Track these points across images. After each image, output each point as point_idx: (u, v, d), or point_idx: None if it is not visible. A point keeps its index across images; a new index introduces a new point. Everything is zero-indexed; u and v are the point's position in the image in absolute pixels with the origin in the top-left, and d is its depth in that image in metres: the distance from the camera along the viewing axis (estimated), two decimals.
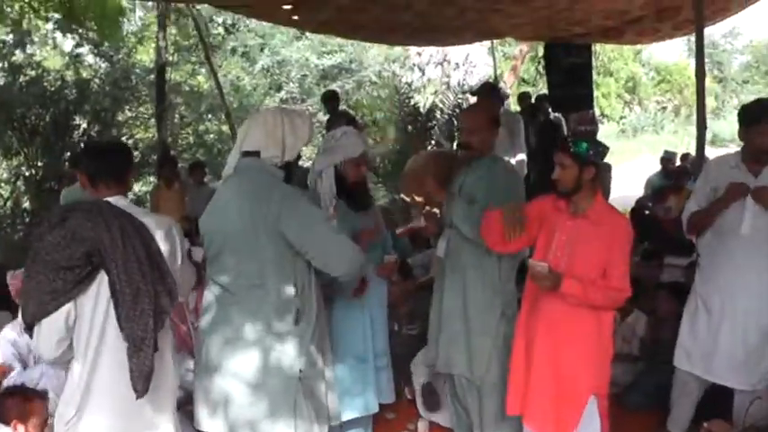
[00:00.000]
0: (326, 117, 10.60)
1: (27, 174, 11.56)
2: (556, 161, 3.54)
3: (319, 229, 3.24)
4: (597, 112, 23.62)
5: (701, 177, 4.31)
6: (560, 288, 3.46)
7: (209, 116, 16.24)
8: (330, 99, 10.29)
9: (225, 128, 15.47)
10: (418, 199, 4.22)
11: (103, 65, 14.71)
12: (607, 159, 8.01)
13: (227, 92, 15.94)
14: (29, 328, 2.95)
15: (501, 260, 4.06)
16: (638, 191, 10.70)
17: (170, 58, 14.70)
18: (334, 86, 18.08)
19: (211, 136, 16.19)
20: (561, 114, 11.00)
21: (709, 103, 25.52)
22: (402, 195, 4.38)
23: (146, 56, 16.40)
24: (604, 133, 24.17)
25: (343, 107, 11.94)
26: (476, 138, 4.07)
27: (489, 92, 7.79)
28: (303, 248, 3.24)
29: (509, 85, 18.36)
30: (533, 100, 11.79)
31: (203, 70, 17.44)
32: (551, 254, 3.59)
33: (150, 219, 3.01)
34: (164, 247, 3.00)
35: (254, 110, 16.58)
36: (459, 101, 13.06)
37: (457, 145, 4.24)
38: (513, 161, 8.04)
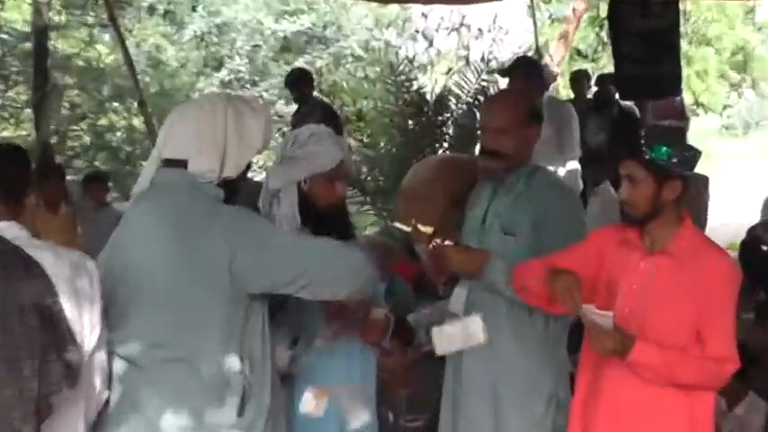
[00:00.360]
0: (291, 108, 10.67)
1: None
2: (622, 173, 3.58)
3: (299, 246, 3.29)
4: (688, 99, 23.75)
5: None
6: (629, 355, 3.48)
7: (115, 105, 16.30)
8: (298, 82, 10.37)
9: (138, 122, 15.50)
10: (423, 229, 4.25)
11: None
12: (702, 169, 8.08)
13: (142, 69, 15.98)
14: None
15: (549, 319, 4.11)
16: (751, 215, 10.76)
17: (55, 19, 14.77)
18: (300, 63, 18.16)
19: (118, 135, 16.24)
20: (634, 103, 11.11)
21: None
22: (397, 223, 4.40)
23: (16, 14, 16.46)
24: (699, 130, 24.24)
25: (315, 94, 11.98)
26: (507, 140, 4.12)
27: (527, 71, 7.85)
28: (286, 282, 3.27)
29: (557, 61, 18.49)
30: (593, 82, 11.89)
31: (106, 37, 17.50)
32: (617, 309, 3.61)
33: (50, 254, 3.03)
34: (68, 297, 3.01)
35: (184, 97, 16.64)
36: (484, 84, 13.13)
37: (480, 151, 4.28)
38: (561, 172, 8.10)
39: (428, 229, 4.18)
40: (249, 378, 3.30)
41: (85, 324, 3.07)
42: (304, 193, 3.98)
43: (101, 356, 3.18)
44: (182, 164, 3.35)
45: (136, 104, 14.69)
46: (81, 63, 16.14)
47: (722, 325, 3.53)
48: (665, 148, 3.51)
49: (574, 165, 8.51)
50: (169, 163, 3.39)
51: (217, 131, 3.35)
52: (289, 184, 3.98)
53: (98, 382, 3.18)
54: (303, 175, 3.97)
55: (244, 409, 3.29)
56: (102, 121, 16.05)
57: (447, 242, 4.13)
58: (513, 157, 4.13)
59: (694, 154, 3.60)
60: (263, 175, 4.17)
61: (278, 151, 4.15)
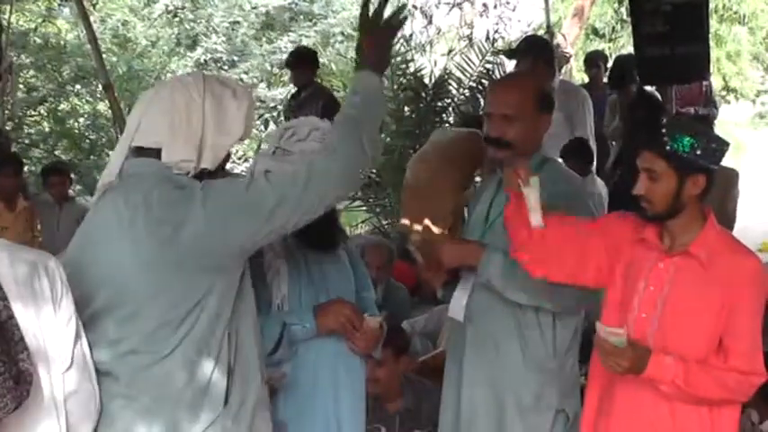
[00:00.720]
0: (275, 93, 10.64)
1: None
2: (640, 165, 3.61)
3: (278, 184, 3.28)
4: (718, 83, 23.76)
5: None
6: (646, 371, 3.53)
7: (77, 88, 16.27)
8: (300, 62, 10.28)
9: (103, 107, 15.48)
10: (436, 230, 4.30)
11: None
12: (733, 162, 8.08)
13: (108, 48, 15.97)
14: None
15: (557, 325, 4.17)
16: None
17: None
18: (285, 41, 18.16)
19: (81, 120, 16.20)
20: (656, 88, 11.12)
21: None
22: (406, 221, 4.43)
23: None
24: (729, 119, 24.26)
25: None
26: (513, 128, 4.17)
27: (536, 52, 7.90)
28: (285, 225, 3.31)
29: (571, 41, 18.49)
30: (611, 64, 11.90)
31: (66, 11, 17.48)
32: (633, 314, 3.67)
33: (4, 254, 3.04)
34: (23, 300, 3.03)
35: (154, 79, 16.62)
36: (489, 66, 13.14)
37: (484, 138, 4.32)
38: None
39: (440, 231, 4.23)
40: (229, 389, 3.34)
41: (47, 330, 3.08)
42: None
43: (75, 369, 3.18)
44: (154, 153, 3.34)
45: (101, 87, 14.71)
46: (38, 40, 16.12)
47: (747, 334, 3.58)
48: (688, 139, 3.52)
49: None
50: (140, 151, 3.37)
51: (193, 119, 3.33)
52: None
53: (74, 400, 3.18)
54: None
55: (220, 419, 3.32)
56: (63, 106, 16.01)
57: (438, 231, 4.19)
58: (519, 146, 4.16)
59: (720, 146, 3.59)
60: (243, 166, 4.17)
61: (269, 141, 4.14)
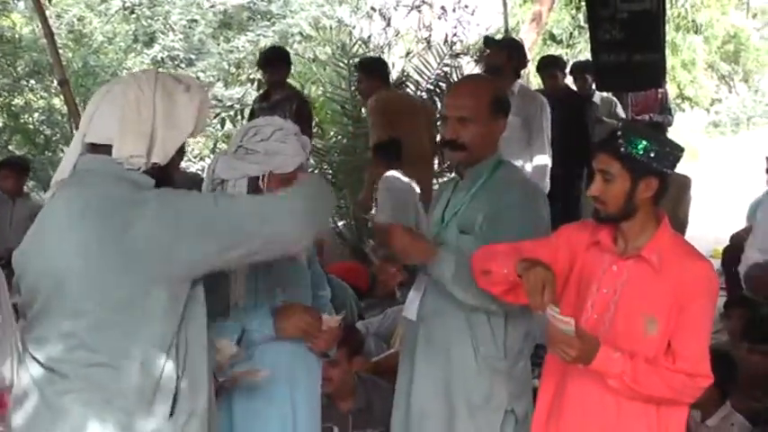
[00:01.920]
0: (231, 92, 10.57)
1: None
2: (596, 167, 3.65)
3: (241, 210, 3.29)
4: (672, 91, 23.93)
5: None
6: (593, 363, 3.55)
7: (32, 83, 16.18)
8: (273, 63, 10.12)
9: (58, 102, 15.40)
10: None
11: None
12: (686, 169, 8.17)
13: (63, 43, 15.89)
14: None
15: (508, 326, 4.21)
16: (737, 221, 10.91)
17: None
18: (242, 41, 18.12)
19: (36, 116, 16.11)
20: (612, 94, 11.22)
21: None
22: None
23: None
24: (684, 126, 24.47)
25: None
26: (469, 131, 4.20)
27: (513, 52, 8.00)
28: (237, 253, 3.30)
29: (528, 46, 18.54)
30: (568, 70, 11.97)
31: (21, 5, 17.38)
32: (586, 315, 3.72)
33: None
34: None
35: (110, 75, 16.55)
36: (446, 69, 13.18)
37: (440, 141, 4.35)
38: (528, 167, 8.20)
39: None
40: (182, 380, 3.34)
41: None
42: (255, 190, 3.99)
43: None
44: (106, 149, 3.33)
45: (56, 83, 14.65)
46: None
47: (696, 337, 3.63)
48: (642, 142, 3.57)
49: (543, 160, 8.60)
50: (93, 148, 3.38)
51: (143, 113, 3.32)
52: (240, 178, 3.99)
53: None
54: (259, 172, 3.98)
55: (174, 410, 3.33)
56: (17, 101, 15.91)
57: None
58: (474, 148, 4.20)
59: (675, 151, 3.65)
60: (198, 165, 4.17)
61: (232, 141, 4.15)
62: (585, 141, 9.92)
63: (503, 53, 8.01)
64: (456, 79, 12.14)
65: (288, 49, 16.93)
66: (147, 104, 3.33)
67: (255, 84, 15.88)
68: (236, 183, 3.99)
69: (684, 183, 8.46)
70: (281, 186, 3.93)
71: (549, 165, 8.72)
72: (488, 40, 9.76)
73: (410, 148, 9.30)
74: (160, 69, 13.75)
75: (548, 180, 8.66)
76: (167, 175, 3.44)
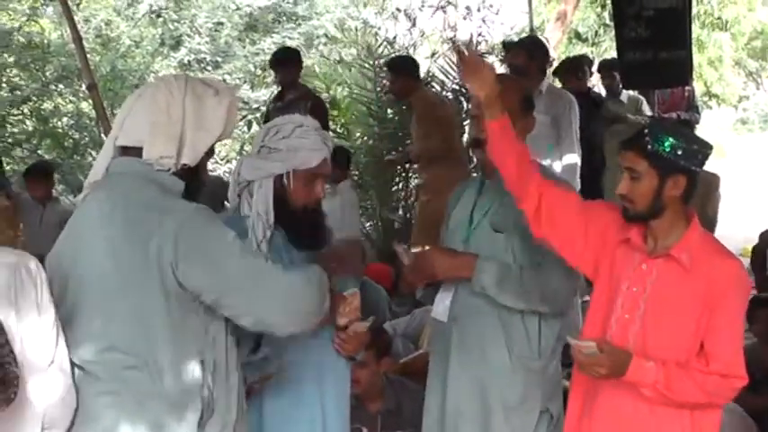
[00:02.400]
0: (258, 94, 10.54)
1: None
2: (623, 165, 3.64)
3: (242, 265, 3.31)
4: (700, 89, 23.83)
5: None
6: (627, 375, 3.55)
7: (61, 87, 16.24)
8: (286, 62, 10.16)
9: (87, 106, 15.45)
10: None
11: None
12: (714, 167, 8.13)
13: (91, 48, 15.95)
14: None
15: (542, 326, 4.21)
16: (767, 219, 10.86)
17: None
18: (268, 43, 18.13)
19: (65, 120, 16.17)
20: (639, 92, 11.17)
21: None
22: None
23: None
24: (711, 123, 24.36)
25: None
26: None
27: (534, 50, 7.95)
28: (219, 304, 3.31)
29: (554, 45, 18.53)
30: (595, 68, 11.93)
31: (50, 10, 17.44)
32: (616, 314, 3.70)
33: None
34: (4, 303, 3.02)
35: (138, 79, 16.59)
36: None
37: (469, 142, 4.34)
38: (557, 166, 8.17)
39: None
40: (212, 389, 3.35)
41: (28, 333, 3.08)
42: (281, 189, 3.98)
43: (56, 368, 3.18)
44: (137, 151, 3.37)
45: (84, 87, 14.68)
46: (22, 39, 16.07)
47: (728, 337, 3.60)
48: (669, 139, 3.55)
49: (572, 159, 8.55)
50: (124, 151, 3.41)
51: (173, 115, 3.36)
52: (266, 178, 3.98)
53: (43, 399, 3.17)
54: (283, 170, 3.96)
55: (204, 422, 3.34)
56: (47, 105, 15.96)
57: (427, 247, 4.21)
58: None
59: (703, 149, 3.62)
60: (225, 167, 4.16)
61: (254, 143, 4.15)
62: (596, 141, 9.95)
63: (523, 53, 7.99)
64: None
65: (313, 50, 16.99)
66: (177, 107, 3.36)
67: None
68: (263, 183, 3.98)
69: (713, 181, 8.42)
70: (306, 183, 3.99)
71: (579, 163, 8.69)
72: (507, 43, 9.78)
73: (458, 148, 9.35)
74: (187, 72, 13.75)
75: (578, 178, 8.63)
76: (196, 176, 3.48)
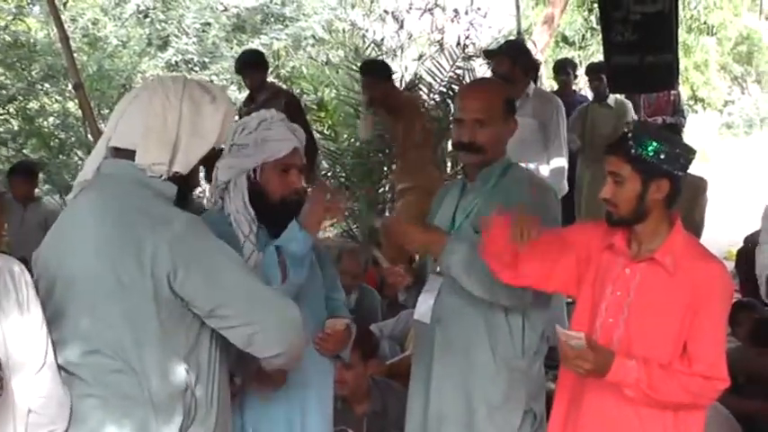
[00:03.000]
0: (245, 95, 10.53)
1: None
2: (607, 169, 3.66)
3: (239, 279, 3.33)
4: (685, 93, 23.90)
5: None
6: (609, 374, 3.57)
7: (47, 87, 16.20)
8: (252, 65, 10.14)
9: (73, 106, 15.43)
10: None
11: None
12: (700, 171, 8.15)
13: (78, 47, 15.91)
14: None
15: (526, 326, 4.22)
16: (750, 223, 10.87)
17: None
18: (256, 44, 18.11)
19: (51, 120, 16.13)
20: (625, 96, 11.20)
21: None
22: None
23: None
24: (696, 128, 24.41)
25: (271, 80, 11.86)
26: (485, 133, 4.22)
27: (516, 55, 7.96)
28: (214, 314, 3.31)
29: (541, 48, 18.56)
30: (583, 71, 11.97)
31: (36, 9, 17.41)
32: (600, 319, 3.73)
33: None
34: None
35: (125, 79, 16.56)
36: (459, 72, 13.18)
37: (454, 144, 4.36)
38: (545, 170, 8.19)
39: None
40: (196, 394, 3.36)
41: (13, 335, 3.09)
42: (255, 183, 4.04)
43: (47, 368, 3.19)
44: (130, 154, 3.36)
45: (70, 86, 14.61)
46: (8, 38, 16.02)
47: (711, 340, 3.63)
48: (653, 144, 3.59)
49: (560, 162, 8.57)
50: (117, 152, 3.40)
51: (168, 121, 3.34)
52: (238, 175, 4.04)
53: (35, 399, 3.18)
54: (254, 164, 4.03)
55: (187, 427, 3.34)
56: (32, 105, 15.89)
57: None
58: (490, 150, 4.24)
59: (686, 153, 3.66)
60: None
61: (226, 142, 4.18)
62: None
63: (506, 60, 8.00)
64: (468, 81, 12.12)
65: (301, 51, 17.00)
66: (173, 113, 3.36)
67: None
68: (237, 181, 4.04)
69: (700, 185, 8.43)
70: (279, 175, 4.04)
71: (566, 166, 8.71)
72: (487, 53, 9.78)
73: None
74: (175, 73, 13.70)
75: (565, 182, 8.65)
76: (188, 183, 3.49)
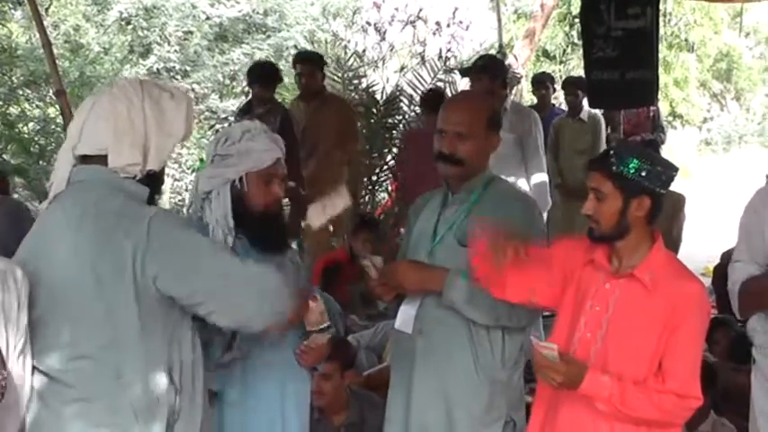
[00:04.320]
0: (226, 104, 10.43)
1: None
2: (589, 186, 3.69)
3: (215, 265, 3.37)
4: (665, 109, 23.99)
5: (752, 214, 4.49)
6: (581, 387, 3.58)
7: (28, 92, 16.18)
8: (268, 79, 9.84)
9: (54, 112, 15.41)
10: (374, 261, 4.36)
11: None
12: (678, 187, 8.22)
13: (60, 53, 15.90)
14: None
15: (505, 338, 4.24)
16: (728, 240, 10.92)
17: None
18: (237, 53, 18.14)
19: (31, 125, 16.11)
20: (603, 112, 11.24)
21: None
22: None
23: None
24: (676, 144, 24.50)
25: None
26: (466, 146, 4.23)
27: (493, 72, 7.97)
28: (196, 302, 3.35)
29: (522, 62, 18.62)
30: (560, 86, 11.99)
31: (18, 14, 17.38)
32: (579, 333, 3.74)
33: None
34: None
35: (104, 84, 16.56)
36: (440, 84, 13.19)
37: (435, 155, 4.37)
38: (524, 184, 8.21)
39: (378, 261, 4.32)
40: (178, 395, 3.38)
41: (10, 340, 3.10)
42: (238, 193, 4.05)
43: (20, 371, 3.20)
44: (100, 159, 3.40)
45: (51, 92, 14.64)
46: None
47: (686, 357, 3.65)
48: (634, 161, 3.61)
49: (541, 177, 8.60)
50: (86, 160, 3.43)
51: (135, 121, 3.39)
52: (221, 185, 4.04)
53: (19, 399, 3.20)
54: (237, 174, 4.03)
55: (170, 427, 3.36)
56: (13, 110, 15.87)
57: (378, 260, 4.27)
58: (470, 163, 4.24)
59: (668, 171, 3.67)
60: (191, 176, 4.19)
61: (207, 153, 4.20)
62: None
63: (485, 77, 7.99)
64: (450, 94, 12.13)
65: (283, 61, 17.00)
66: (138, 113, 3.40)
67: (250, 96, 15.77)
68: (220, 191, 4.05)
69: (678, 200, 8.49)
70: (262, 185, 4.06)
71: (548, 181, 8.74)
72: (463, 71, 9.80)
73: None
74: (156, 80, 13.66)
75: (549, 198, 8.68)
76: (159, 181, 3.56)
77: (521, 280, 3.88)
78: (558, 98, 13.59)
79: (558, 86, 13.20)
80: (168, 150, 3.49)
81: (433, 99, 8.92)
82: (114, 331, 3.27)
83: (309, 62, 10.01)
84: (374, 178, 12.20)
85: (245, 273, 3.41)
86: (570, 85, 11.75)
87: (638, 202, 3.62)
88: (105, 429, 3.29)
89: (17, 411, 3.23)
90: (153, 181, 3.47)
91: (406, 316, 4.37)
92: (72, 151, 3.45)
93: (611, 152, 3.67)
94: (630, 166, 3.60)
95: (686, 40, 26.74)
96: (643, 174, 3.60)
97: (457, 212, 4.29)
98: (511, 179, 7.40)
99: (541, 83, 12.30)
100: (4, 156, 14.93)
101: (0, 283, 3.08)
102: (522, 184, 8.24)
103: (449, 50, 15.31)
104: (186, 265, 3.31)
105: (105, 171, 3.38)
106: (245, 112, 9.92)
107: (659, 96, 12.14)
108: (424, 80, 13.24)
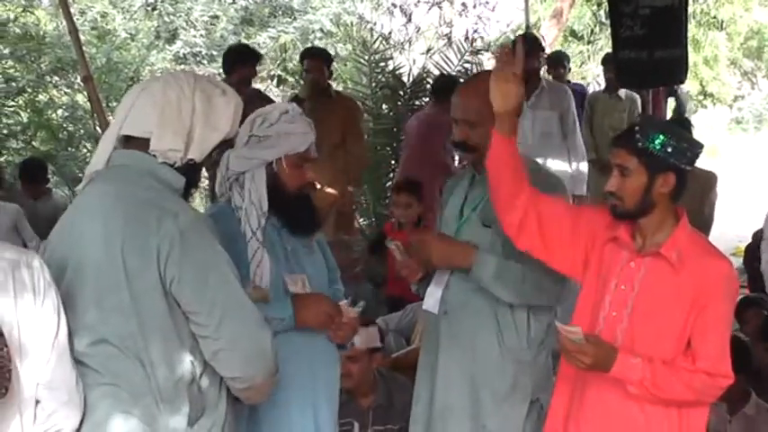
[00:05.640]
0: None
1: None
2: (613, 162, 3.67)
3: (226, 291, 3.34)
4: (694, 88, 23.88)
5: None
6: (612, 370, 3.57)
7: (56, 79, 16.23)
8: (244, 62, 9.71)
9: (82, 99, 15.45)
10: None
11: None
12: (711, 166, 8.15)
13: (87, 40, 15.94)
14: None
15: (531, 318, 4.24)
16: (759, 219, 10.85)
17: None
18: (264, 37, 18.14)
19: (59, 112, 16.16)
20: (634, 91, 11.20)
21: None
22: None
23: None
24: (706, 123, 24.39)
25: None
26: (477, 133, 4.21)
27: (531, 49, 7.97)
28: (190, 321, 3.33)
29: (549, 42, 18.54)
30: (599, 61, 11.96)
31: (45, 2, 17.43)
32: (604, 312, 3.73)
33: None
34: (5, 300, 3.04)
35: (133, 72, 16.59)
36: (467, 66, 13.16)
37: (451, 140, 4.36)
38: (568, 169, 8.18)
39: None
40: (202, 386, 3.38)
41: (29, 329, 3.10)
42: (273, 175, 4.05)
43: (52, 361, 3.20)
44: (142, 143, 3.40)
45: (79, 79, 14.62)
46: (18, 30, 16.03)
47: (715, 337, 3.63)
48: (660, 137, 3.57)
49: (582, 166, 8.61)
50: (129, 140, 3.45)
51: (183, 109, 3.40)
52: (257, 166, 4.04)
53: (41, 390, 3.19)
54: (276, 156, 4.04)
55: (196, 418, 3.36)
56: (42, 97, 15.90)
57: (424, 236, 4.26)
58: (484, 149, 4.13)
59: (693, 148, 3.64)
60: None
61: (242, 132, 4.15)
62: None
63: (533, 57, 8.01)
64: (466, 78, 12.11)
65: (309, 45, 17.02)
66: (188, 103, 3.42)
67: (276, 80, 15.77)
68: (255, 173, 4.04)
69: (710, 179, 8.42)
70: (297, 167, 4.07)
71: (587, 172, 8.73)
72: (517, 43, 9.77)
73: None
74: (182, 66, 13.63)
75: (585, 187, 8.67)
76: (197, 174, 3.57)
77: (548, 238, 3.88)
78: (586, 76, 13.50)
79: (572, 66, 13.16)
80: (212, 144, 3.47)
81: (441, 87, 8.86)
82: (137, 316, 3.27)
83: (317, 58, 9.93)
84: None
85: (247, 317, 3.37)
86: (610, 62, 11.73)
87: (663, 179, 3.60)
88: (129, 414, 3.30)
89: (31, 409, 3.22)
90: (191, 171, 3.48)
91: (432, 297, 4.37)
92: (116, 130, 3.46)
93: (637, 128, 3.64)
94: (656, 141, 3.57)
95: (716, 17, 26.60)
96: (669, 150, 3.57)
97: (480, 193, 4.28)
98: (556, 162, 7.39)
99: (558, 61, 12.24)
100: (34, 142, 14.95)
101: (14, 272, 3.08)
102: (565, 166, 8.22)
103: (475, 31, 15.27)
104: (197, 277, 3.28)
105: (145, 158, 3.39)
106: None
107: (689, 75, 12.05)
108: (451, 62, 13.22)
